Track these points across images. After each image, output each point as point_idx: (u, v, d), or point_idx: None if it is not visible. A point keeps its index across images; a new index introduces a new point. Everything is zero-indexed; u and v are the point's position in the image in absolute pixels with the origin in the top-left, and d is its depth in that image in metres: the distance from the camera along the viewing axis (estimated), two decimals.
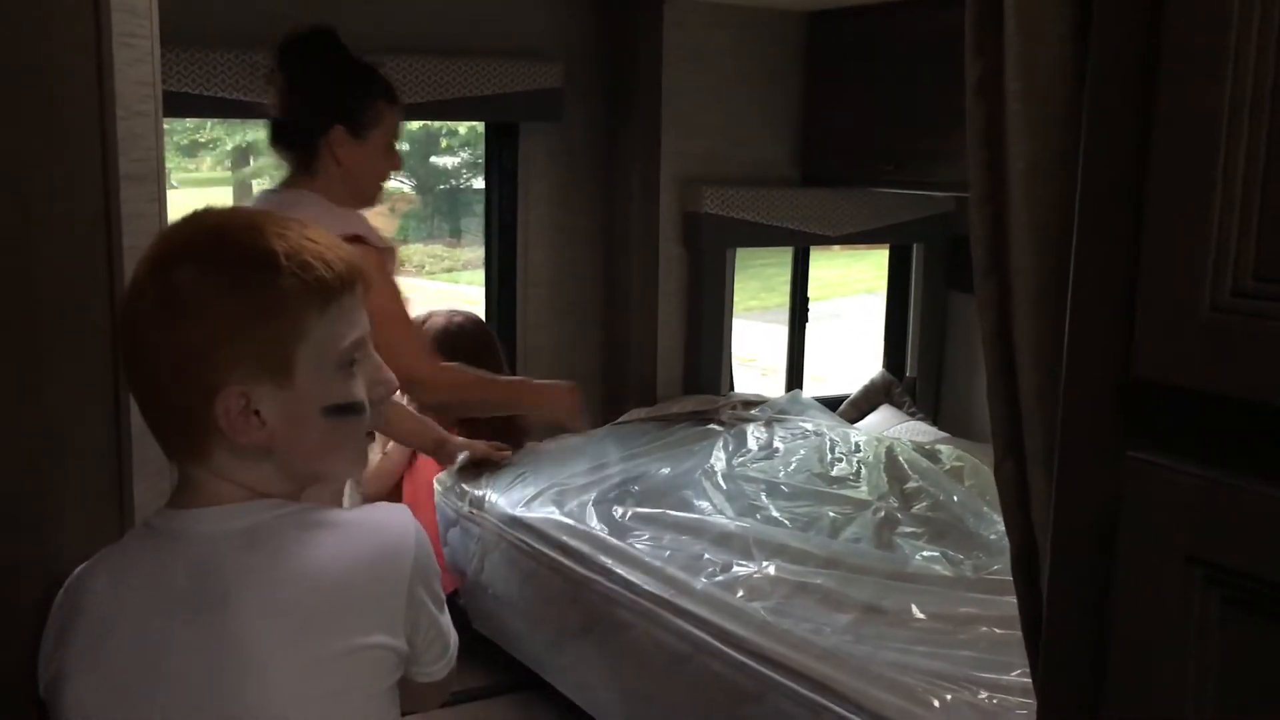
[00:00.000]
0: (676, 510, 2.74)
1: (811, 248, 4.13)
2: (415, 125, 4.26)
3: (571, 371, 3.63)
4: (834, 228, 3.93)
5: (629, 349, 3.70)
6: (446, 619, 1.21)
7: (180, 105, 2.77)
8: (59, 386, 1.22)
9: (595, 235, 3.69)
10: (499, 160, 3.58)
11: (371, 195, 2.32)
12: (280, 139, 2.25)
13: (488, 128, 3.62)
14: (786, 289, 4.23)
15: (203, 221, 1.16)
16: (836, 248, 4.36)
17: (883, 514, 2.78)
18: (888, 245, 4.32)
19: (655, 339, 3.69)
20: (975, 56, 1.06)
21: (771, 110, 3.79)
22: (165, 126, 1.42)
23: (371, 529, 1.14)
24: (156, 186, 1.36)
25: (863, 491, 2.93)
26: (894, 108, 3.47)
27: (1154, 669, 0.84)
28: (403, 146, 2.36)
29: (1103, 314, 0.90)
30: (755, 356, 6.60)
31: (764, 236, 3.82)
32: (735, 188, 3.69)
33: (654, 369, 3.72)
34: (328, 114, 2.19)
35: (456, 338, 3.18)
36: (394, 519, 1.16)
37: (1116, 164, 0.88)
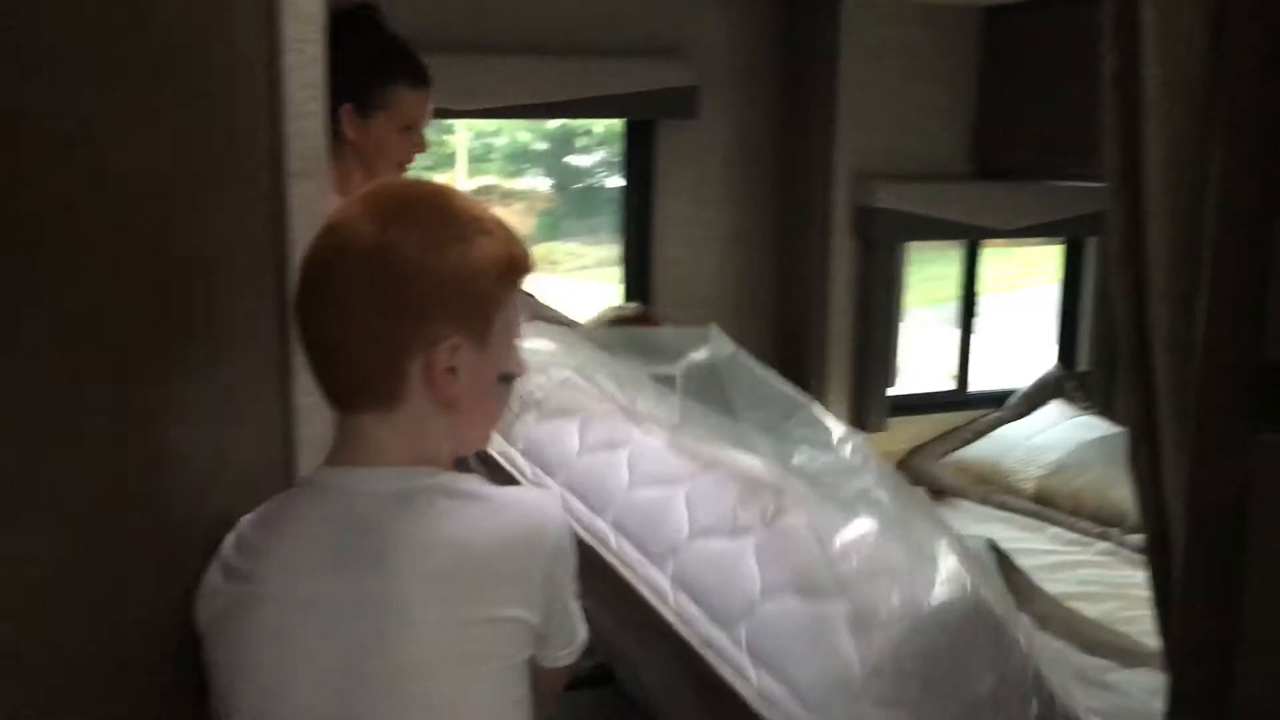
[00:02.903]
0: None
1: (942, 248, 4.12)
2: (553, 125, 4.36)
3: None
4: (1007, 221, 3.91)
5: (805, 344, 3.73)
6: (578, 610, 1.25)
7: None
8: (233, 365, 1.31)
9: (731, 232, 3.73)
10: (635, 158, 3.64)
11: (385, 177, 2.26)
12: None
13: (625, 126, 3.69)
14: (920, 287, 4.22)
15: (416, 185, 1.26)
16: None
17: None
18: (1039, 240, 4.30)
19: (826, 334, 3.72)
20: (1111, 48, 1.07)
21: (946, 103, 3.78)
22: None
23: (518, 505, 1.19)
24: (322, 183, 1.44)
25: None
26: (1074, 99, 3.43)
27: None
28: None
29: (1236, 300, 0.91)
30: None
31: (937, 230, 3.82)
32: (910, 182, 3.69)
33: (823, 365, 3.74)
34: (338, 91, 2.10)
35: None
36: (542, 500, 1.23)
37: (1251, 153, 0.89)
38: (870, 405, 3.90)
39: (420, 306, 1.14)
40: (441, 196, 1.20)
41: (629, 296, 3.72)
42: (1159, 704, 0.98)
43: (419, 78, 2.27)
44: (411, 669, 1.09)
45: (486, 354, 1.18)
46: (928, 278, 4.77)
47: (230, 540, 1.19)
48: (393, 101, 2.24)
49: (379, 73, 2.23)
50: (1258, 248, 0.88)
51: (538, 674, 1.21)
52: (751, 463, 2.13)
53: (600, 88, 3.32)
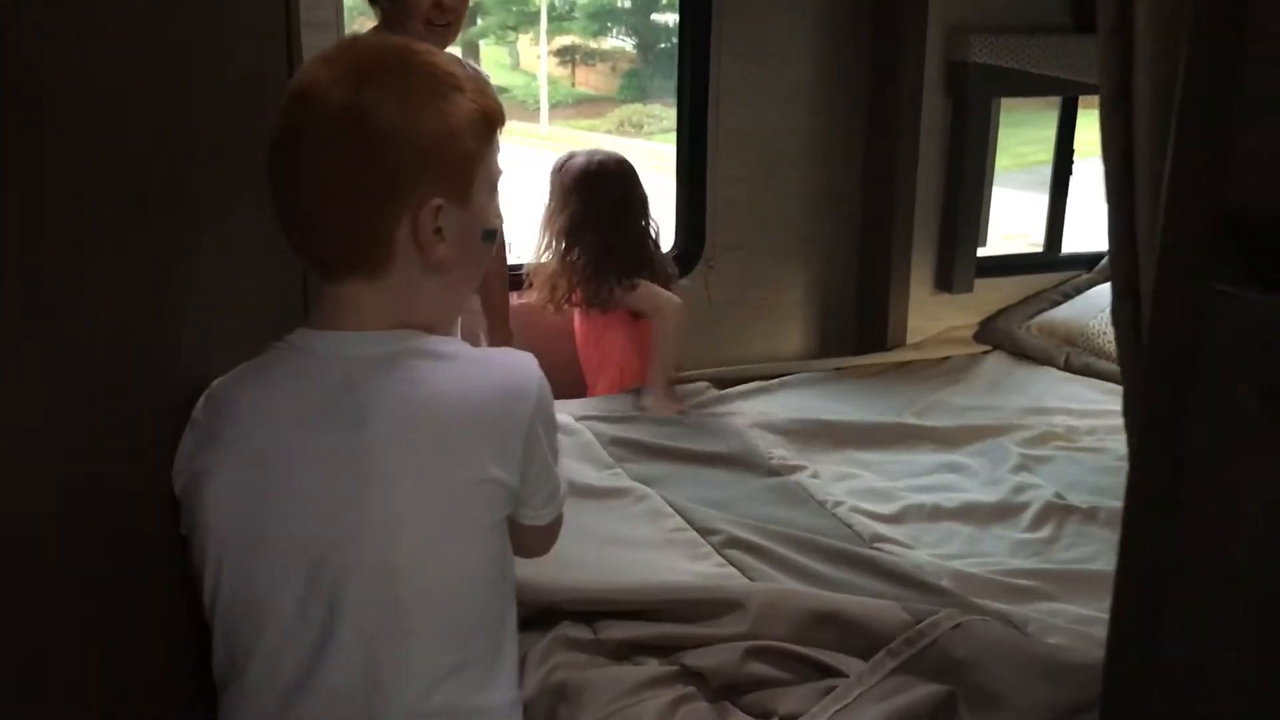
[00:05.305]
0: None
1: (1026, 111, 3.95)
2: None
3: (780, 222, 3.63)
4: None
5: (891, 204, 3.62)
6: (559, 469, 1.24)
7: None
8: (240, 214, 1.30)
9: (801, 89, 3.62)
10: (692, 9, 3.51)
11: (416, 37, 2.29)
12: None
13: None
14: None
15: (383, 43, 1.21)
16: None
17: None
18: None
19: (913, 194, 3.62)
20: None
21: None
22: None
23: (498, 366, 1.19)
24: (336, 34, 1.44)
25: None
26: None
27: (1220, 493, 0.84)
28: None
29: (1203, 143, 0.87)
30: None
31: (1034, 86, 3.65)
32: (1007, 35, 3.54)
33: (909, 226, 3.66)
34: None
35: (598, 178, 3.12)
36: (520, 361, 1.20)
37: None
38: (957, 266, 3.81)
39: (402, 170, 1.10)
40: (412, 54, 1.15)
41: (682, 161, 3.63)
42: None
43: None
44: (391, 526, 1.10)
45: (470, 212, 1.16)
46: (1011, 141, 4.60)
47: (201, 403, 1.18)
48: None
49: None
50: (1227, 89, 0.83)
51: (520, 530, 1.22)
52: None
53: None
